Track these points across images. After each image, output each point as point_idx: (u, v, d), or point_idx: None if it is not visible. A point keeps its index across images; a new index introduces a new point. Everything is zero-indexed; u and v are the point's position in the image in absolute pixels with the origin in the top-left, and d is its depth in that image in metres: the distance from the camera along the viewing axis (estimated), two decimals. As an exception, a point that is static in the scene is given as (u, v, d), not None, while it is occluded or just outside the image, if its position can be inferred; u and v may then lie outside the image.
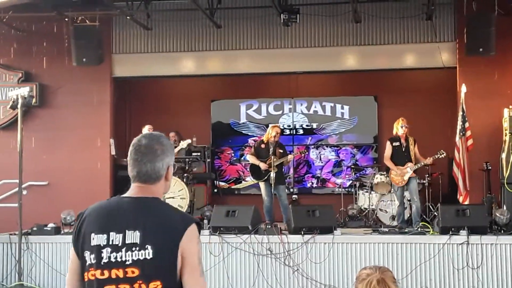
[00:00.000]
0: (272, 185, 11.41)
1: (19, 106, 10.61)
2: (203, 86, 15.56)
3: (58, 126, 13.58)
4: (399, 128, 11.42)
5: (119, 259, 2.95)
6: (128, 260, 2.94)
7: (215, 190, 15.46)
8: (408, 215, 11.97)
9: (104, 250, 2.97)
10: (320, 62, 13.62)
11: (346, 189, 14.45)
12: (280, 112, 15.58)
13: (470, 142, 11.66)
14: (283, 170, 12.28)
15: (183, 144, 12.11)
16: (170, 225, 2.99)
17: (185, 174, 13.08)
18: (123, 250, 2.95)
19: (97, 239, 3.00)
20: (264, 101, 15.63)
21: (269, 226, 10.69)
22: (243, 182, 15.54)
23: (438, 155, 11.29)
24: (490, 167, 12.02)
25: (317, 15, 13.21)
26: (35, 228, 11.06)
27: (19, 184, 10.82)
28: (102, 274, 2.96)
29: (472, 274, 9.81)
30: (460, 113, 11.66)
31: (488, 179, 12.06)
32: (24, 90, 10.79)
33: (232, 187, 15.66)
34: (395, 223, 11.89)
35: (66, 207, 11.84)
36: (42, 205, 12.79)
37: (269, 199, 11.64)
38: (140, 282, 2.92)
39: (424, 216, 12.11)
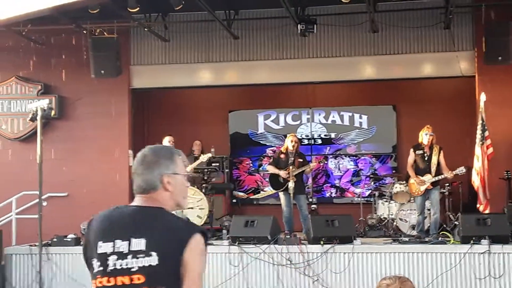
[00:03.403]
0: (291, 195, 11.37)
1: (38, 118, 10.69)
2: (221, 96, 15.59)
3: (77, 138, 13.66)
4: (423, 135, 11.27)
5: (124, 266, 2.93)
6: (134, 267, 2.92)
7: (234, 200, 15.45)
8: (428, 225, 11.90)
9: (110, 258, 2.97)
10: (338, 72, 13.61)
11: (365, 199, 14.39)
12: (298, 122, 15.56)
13: (490, 150, 11.57)
14: (303, 179, 12.21)
15: (204, 157, 12.15)
16: (174, 233, 2.94)
17: (204, 185, 13.10)
18: (129, 257, 2.93)
19: (104, 247, 2.99)
20: (282, 111, 15.62)
21: (288, 236, 10.69)
22: (261, 192, 15.53)
23: (458, 172, 11.17)
24: (510, 176, 11.92)
25: (334, 25, 13.20)
26: (55, 239, 11.13)
27: (39, 196, 10.88)
28: (109, 281, 2.95)
29: (494, 283, 9.73)
30: (480, 121, 11.59)
31: (509, 188, 11.96)
32: (44, 102, 10.87)
33: (251, 197, 15.65)
34: (414, 232, 11.81)
35: (85, 218, 11.80)
36: (62, 216, 12.85)
37: (288, 209, 11.59)
38: None
39: (445, 226, 12.02)
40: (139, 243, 2.94)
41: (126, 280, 2.93)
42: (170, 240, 2.93)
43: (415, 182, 11.27)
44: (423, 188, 11.20)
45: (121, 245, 2.96)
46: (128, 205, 3.13)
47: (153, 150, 3.13)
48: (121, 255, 2.95)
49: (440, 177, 11.18)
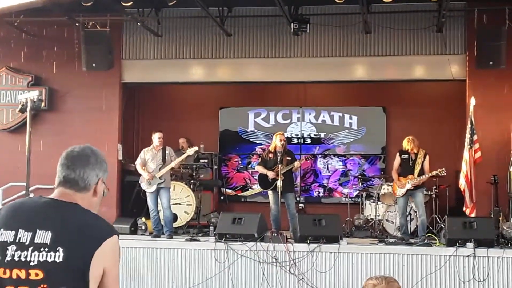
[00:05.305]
0: (279, 193, 11.38)
1: (28, 109, 10.65)
2: (212, 93, 15.56)
3: (67, 130, 13.60)
4: (406, 144, 11.45)
5: (23, 259, 2.73)
6: (33, 261, 2.72)
7: (222, 197, 15.44)
8: (415, 227, 11.94)
9: (9, 248, 2.76)
10: (329, 72, 13.62)
11: (353, 199, 14.42)
12: (288, 121, 15.56)
13: (478, 154, 11.61)
14: (293, 178, 12.22)
15: (190, 151, 12.07)
16: (88, 231, 2.77)
17: (192, 181, 13.10)
18: (30, 249, 2.73)
19: (4, 235, 2.79)
20: (273, 110, 15.61)
21: (275, 234, 10.69)
22: (249, 189, 15.52)
23: (439, 172, 11.26)
24: (498, 180, 11.98)
25: (327, 25, 13.22)
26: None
27: (26, 187, 10.84)
28: (4, 273, 2.75)
29: (478, 286, 9.78)
30: (469, 125, 11.63)
31: (496, 192, 12.01)
32: (34, 94, 10.83)
33: (239, 194, 15.63)
34: (399, 234, 11.86)
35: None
36: (49, 209, 12.77)
37: (276, 207, 11.61)
38: (44, 286, 2.71)
39: (431, 228, 12.07)
40: (44, 236, 2.75)
41: (22, 274, 2.74)
42: (81, 237, 2.75)
43: (397, 185, 11.40)
44: (404, 189, 11.28)
45: (24, 236, 2.77)
46: (42, 196, 2.95)
47: (93, 151, 3.02)
48: (22, 246, 2.76)
49: (419, 178, 11.25)
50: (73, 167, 2.94)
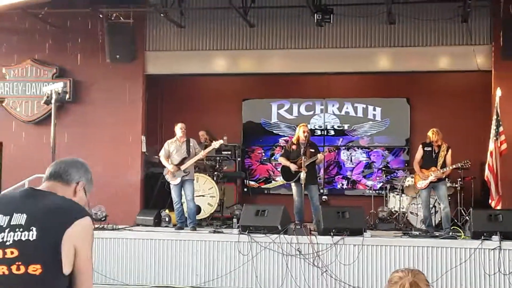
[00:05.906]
0: (302, 185, 11.35)
1: (52, 101, 10.73)
2: (235, 85, 15.56)
3: (91, 122, 13.68)
4: (430, 135, 11.38)
5: (0, 240, 2.97)
6: (9, 241, 2.95)
7: (245, 189, 15.45)
8: (439, 219, 11.87)
9: None
10: (353, 63, 13.53)
11: (377, 191, 14.36)
12: (311, 113, 15.52)
13: (504, 146, 11.52)
14: (316, 170, 12.18)
15: (216, 144, 12.08)
16: (59, 211, 3.03)
17: (215, 173, 13.12)
18: (6, 231, 2.97)
19: None
20: (296, 101, 15.59)
21: (299, 227, 10.69)
22: (273, 181, 15.51)
23: (463, 164, 11.21)
24: (524, 172, 11.86)
25: (351, 16, 13.12)
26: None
27: (51, 179, 10.90)
28: None
29: (504, 280, 9.70)
30: (494, 117, 11.53)
31: (522, 184, 11.89)
32: (58, 86, 10.90)
33: (262, 186, 15.64)
34: (424, 227, 11.80)
35: (97, 202, 11.95)
36: (73, 200, 12.84)
37: (299, 199, 11.59)
38: (19, 263, 2.92)
39: (456, 221, 11.99)
40: (19, 218, 2.99)
41: None
42: (53, 216, 3.00)
43: (420, 177, 11.32)
44: (427, 181, 11.21)
45: (2, 220, 3.01)
46: (26, 187, 3.25)
47: (81, 161, 3.38)
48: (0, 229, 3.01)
49: (443, 170, 11.20)
50: (59, 165, 3.30)
